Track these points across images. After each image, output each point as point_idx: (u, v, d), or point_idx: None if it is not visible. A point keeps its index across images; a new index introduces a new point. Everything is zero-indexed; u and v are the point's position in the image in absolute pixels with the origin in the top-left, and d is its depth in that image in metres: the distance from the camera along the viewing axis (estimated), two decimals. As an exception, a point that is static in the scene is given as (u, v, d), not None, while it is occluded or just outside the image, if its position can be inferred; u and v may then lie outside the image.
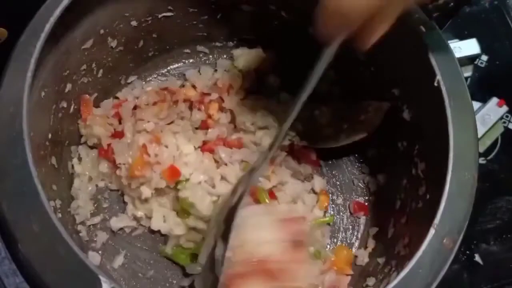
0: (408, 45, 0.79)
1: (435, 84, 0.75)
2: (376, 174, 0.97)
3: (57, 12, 0.72)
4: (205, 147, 0.93)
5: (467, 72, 1.05)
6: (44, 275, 0.61)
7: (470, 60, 1.06)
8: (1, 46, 0.85)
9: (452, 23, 1.00)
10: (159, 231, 0.89)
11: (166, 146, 0.90)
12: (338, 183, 0.99)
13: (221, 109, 0.96)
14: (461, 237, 0.70)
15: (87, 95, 0.92)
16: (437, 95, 0.75)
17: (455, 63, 0.78)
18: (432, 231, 0.69)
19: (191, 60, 1.05)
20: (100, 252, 0.88)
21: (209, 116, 0.95)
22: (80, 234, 0.88)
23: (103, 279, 0.60)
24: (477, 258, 0.91)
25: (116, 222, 0.90)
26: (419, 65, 0.77)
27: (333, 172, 1.00)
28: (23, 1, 0.76)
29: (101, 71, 0.92)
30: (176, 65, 1.04)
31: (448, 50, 0.79)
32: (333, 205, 0.97)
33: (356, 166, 1.00)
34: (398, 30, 0.76)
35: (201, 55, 1.06)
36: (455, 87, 0.75)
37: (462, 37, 1.05)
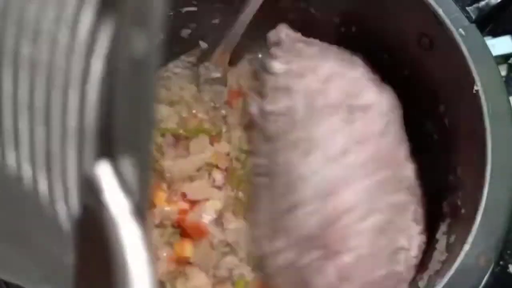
0: (445, 49, 0.76)
1: (474, 91, 0.71)
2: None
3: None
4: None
5: (501, 71, 1.00)
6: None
7: (503, 58, 1.01)
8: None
9: (485, 19, 0.96)
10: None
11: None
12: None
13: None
14: (497, 256, 0.67)
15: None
16: (476, 103, 0.71)
17: (496, 70, 0.75)
18: (465, 249, 0.65)
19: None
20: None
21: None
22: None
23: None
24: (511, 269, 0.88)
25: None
26: (456, 71, 0.74)
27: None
28: None
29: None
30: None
31: (488, 56, 0.75)
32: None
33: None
34: (435, 34, 0.73)
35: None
36: (495, 96, 0.72)
37: (495, 34, 1.00)
